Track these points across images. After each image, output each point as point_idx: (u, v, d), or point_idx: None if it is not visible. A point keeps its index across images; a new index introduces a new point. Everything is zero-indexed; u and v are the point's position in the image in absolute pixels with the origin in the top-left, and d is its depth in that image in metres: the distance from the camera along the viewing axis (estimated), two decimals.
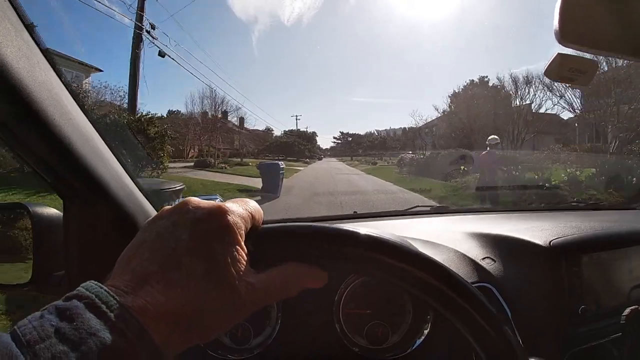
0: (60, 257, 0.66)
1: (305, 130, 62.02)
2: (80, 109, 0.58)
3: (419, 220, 1.21)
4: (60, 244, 0.66)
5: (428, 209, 1.37)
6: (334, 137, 71.01)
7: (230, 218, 0.32)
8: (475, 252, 0.81)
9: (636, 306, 0.63)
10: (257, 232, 0.35)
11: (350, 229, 0.37)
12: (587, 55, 0.55)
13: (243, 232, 0.33)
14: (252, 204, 0.36)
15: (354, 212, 1.32)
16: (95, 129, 0.61)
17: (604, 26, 0.46)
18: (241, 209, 0.34)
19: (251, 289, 0.31)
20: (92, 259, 0.64)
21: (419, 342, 0.69)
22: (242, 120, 48.83)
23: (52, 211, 0.70)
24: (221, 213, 0.32)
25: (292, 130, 58.62)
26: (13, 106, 0.46)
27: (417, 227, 1.08)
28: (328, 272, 0.37)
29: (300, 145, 48.74)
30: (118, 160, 0.67)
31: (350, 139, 69.19)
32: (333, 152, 70.95)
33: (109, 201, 0.64)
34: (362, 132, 70.59)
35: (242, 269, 0.31)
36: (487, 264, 0.77)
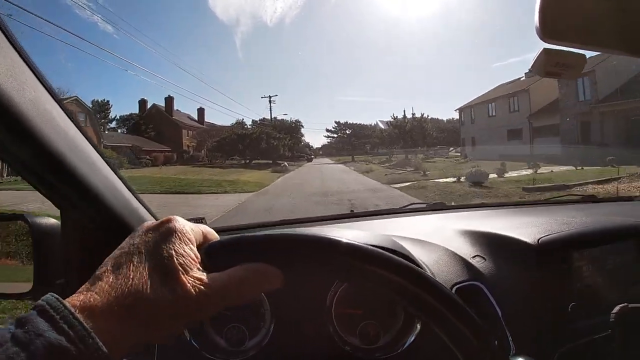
0: (60, 266, 0.68)
1: (284, 118, 43.92)
2: (72, 122, 0.59)
3: (413, 219, 1.21)
4: (59, 253, 0.68)
5: (424, 206, 1.37)
6: (327, 130, 51.73)
7: (177, 224, 0.37)
8: (466, 250, 0.81)
9: (626, 303, 0.63)
10: (210, 245, 0.38)
11: (307, 233, 0.38)
12: (573, 49, 0.55)
13: (191, 237, 0.36)
14: (203, 226, 0.40)
15: (351, 210, 1.33)
16: (88, 141, 0.63)
17: (585, 20, 0.46)
18: (190, 223, 0.38)
19: (200, 284, 0.33)
20: (91, 267, 0.65)
21: (410, 340, 0.69)
22: (201, 112, 38.31)
23: (51, 221, 0.71)
24: (168, 221, 0.37)
25: (264, 119, 41.34)
26: (4, 124, 0.47)
27: (410, 225, 1.08)
28: (286, 275, 0.38)
29: (273, 140, 30.89)
30: (112, 169, 0.68)
31: (350, 131, 49.65)
32: (326, 150, 55.56)
33: (105, 210, 0.66)
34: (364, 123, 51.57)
35: (190, 265, 0.34)
36: (477, 262, 0.77)
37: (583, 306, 0.73)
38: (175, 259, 0.33)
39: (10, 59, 0.47)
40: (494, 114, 25.65)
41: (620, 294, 0.77)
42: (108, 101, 35.34)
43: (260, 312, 0.72)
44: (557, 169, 13.06)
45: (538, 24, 0.45)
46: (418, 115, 33.15)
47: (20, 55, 0.49)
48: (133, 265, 0.33)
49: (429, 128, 33.16)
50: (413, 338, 0.69)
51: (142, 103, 34.55)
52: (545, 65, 0.55)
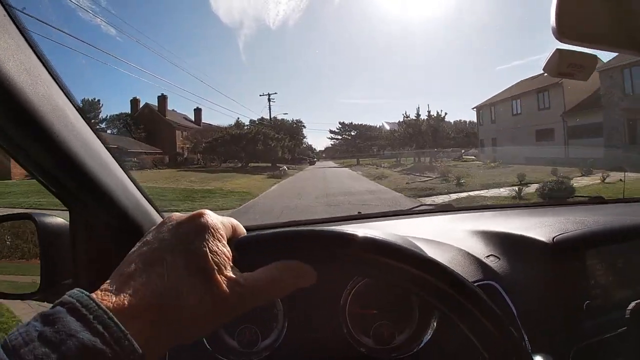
0: (68, 266, 0.67)
1: (284, 118, 40.14)
2: (84, 120, 0.59)
3: (423, 220, 1.21)
4: (67, 252, 0.67)
5: (432, 207, 1.37)
6: (331, 131, 47.89)
7: (209, 219, 0.35)
8: (480, 250, 0.81)
9: None
10: (240, 240, 0.37)
11: (339, 230, 0.37)
12: (586, 50, 0.55)
13: (223, 233, 0.35)
14: (232, 219, 0.39)
15: (358, 212, 1.32)
16: (100, 140, 0.62)
17: (601, 21, 0.46)
18: (220, 217, 0.37)
19: (234, 284, 0.32)
20: (100, 267, 0.65)
21: (425, 341, 0.69)
22: (198, 112, 36.21)
23: (59, 220, 0.71)
24: (200, 215, 0.35)
25: (262, 118, 37.03)
26: (16, 120, 0.47)
27: (422, 226, 1.08)
28: (319, 272, 0.37)
29: (271, 141, 27.19)
30: (123, 170, 0.68)
31: (355, 132, 45.96)
32: (329, 153, 51.49)
33: (115, 210, 0.65)
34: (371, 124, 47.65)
35: (223, 263, 0.32)
36: (491, 262, 0.77)
37: (597, 304, 0.73)
38: (210, 258, 0.32)
39: (25, 54, 0.47)
40: (519, 111, 21.91)
41: (634, 292, 0.77)
42: (99, 100, 33.04)
43: (273, 312, 0.72)
44: (621, 175, 8.83)
45: (554, 24, 0.45)
46: (432, 114, 27.86)
47: (34, 51, 0.49)
48: (167, 264, 0.31)
49: (446, 128, 28.58)
50: (429, 337, 0.69)
51: (134, 102, 32.14)
52: (559, 65, 0.55)
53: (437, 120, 27.46)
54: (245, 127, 31.83)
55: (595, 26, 0.46)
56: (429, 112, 28.64)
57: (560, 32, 0.46)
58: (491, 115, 25.18)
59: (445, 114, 28.18)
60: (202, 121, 36.73)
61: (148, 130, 29.65)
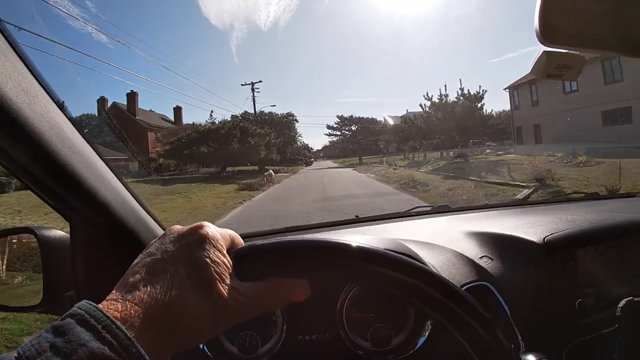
0: (69, 278, 0.68)
1: (272, 112, 34.26)
2: (81, 135, 0.60)
3: (419, 222, 1.21)
4: (68, 265, 0.69)
5: (428, 209, 1.37)
6: (328, 127, 42.02)
7: (209, 230, 0.37)
8: (473, 251, 0.82)
9: (631, 297, 0.63)
10: (239, 250, 0.38)
11: (333, 240, 0.39)
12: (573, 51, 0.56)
13: (222, 243, 0.37)
14: (230, 230, 0.40)
15: (356, 216, 1.33)
16: (97, 153, 0.64)
17: (585, 24, 0.46)
18: (219, 229, 0.39)
19: (235, 293, 0.34)
20: (100, 278, 0.66)
21: (421, 342, 0.70)
22: (178, 111, 32.59)
23: (59, 233, 0.72)
24: (200, 227, 0.37)
25: (245, 112, 30.88)
26: (15, 138, 0.48)
27: (417, 228, 1.09)
28: (315, 278, 0.39)
29: (251, 138, 21.32)
30: (121, 182, 0.69)
31: (356, 127, 40.37)
32: (327, 151, 47.23)
33: (114, 222, 0.67)
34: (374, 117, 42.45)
35: (224, 272, 0.34)
36: (484, 263, 0.78)
37: (590, 302, 0.74)
38: (212, 268, 0.33)
39: (22, 74, 0.48)
40: (574, 88, 16.41)
41: (626, 289, 0.77)
42: (63, 102, 31.78)
43: (272, 319, 0.74)
44: None
45: (538, 28, 0.46)
46: (464, 92, 19.96)
47: (30, 71, 0.50)
48: (170, 275, 0.32)
49: (485, 113, 20.05)
50: (424, 339, 0.70)
51: (102, 102, 29.13)
52: (546, 67, 0.56)
53: (472, 101, 19.75)
54: (223, 122, 24.70)
55: (580, 29, 0.46)
56: (461, 89, 20.29)
57: (544, 37, 0.46)
58: (532, 96, 19.39)
59: (485, 91, 19.85)
60: (186, 122, 32.40)
61: (114, 133, 24.02)
